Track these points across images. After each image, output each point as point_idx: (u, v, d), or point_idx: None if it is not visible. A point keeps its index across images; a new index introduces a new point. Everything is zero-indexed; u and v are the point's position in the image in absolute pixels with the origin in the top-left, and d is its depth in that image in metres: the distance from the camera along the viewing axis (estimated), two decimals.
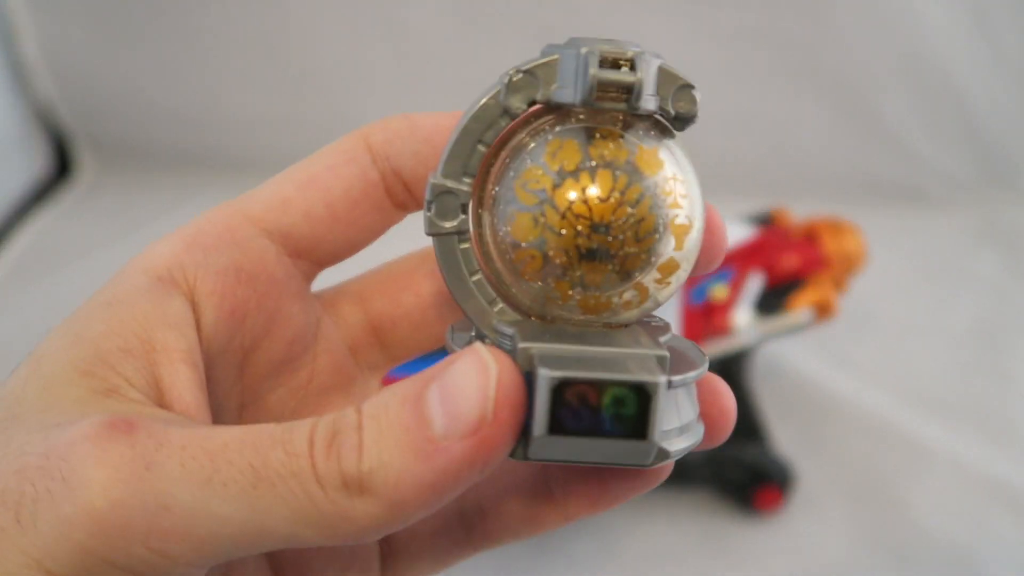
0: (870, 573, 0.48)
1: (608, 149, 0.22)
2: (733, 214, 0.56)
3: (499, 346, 0.22)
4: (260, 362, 0.26)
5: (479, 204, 0.23)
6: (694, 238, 0.23)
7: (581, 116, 0.22)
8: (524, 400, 0.19)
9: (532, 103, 0.22)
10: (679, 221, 0.22)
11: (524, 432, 0.20)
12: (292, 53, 0.80)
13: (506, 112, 0.22)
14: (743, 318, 0.51)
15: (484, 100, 0.22)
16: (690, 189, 0.23)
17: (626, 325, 0.23)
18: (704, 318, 0.51)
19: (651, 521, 0.50)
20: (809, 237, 0.55)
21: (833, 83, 0.79)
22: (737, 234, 0.54)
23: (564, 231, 0.22)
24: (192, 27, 0.78)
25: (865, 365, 0.62)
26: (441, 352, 0.24)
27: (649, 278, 0.23)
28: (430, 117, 0.25)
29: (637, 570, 0.49)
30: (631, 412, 0.20)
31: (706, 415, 0.24)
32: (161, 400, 0.22)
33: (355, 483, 0.19)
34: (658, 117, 0.23)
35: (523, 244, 0.22)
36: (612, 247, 0.22)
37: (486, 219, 0.23)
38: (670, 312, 0.49)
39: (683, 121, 0.23)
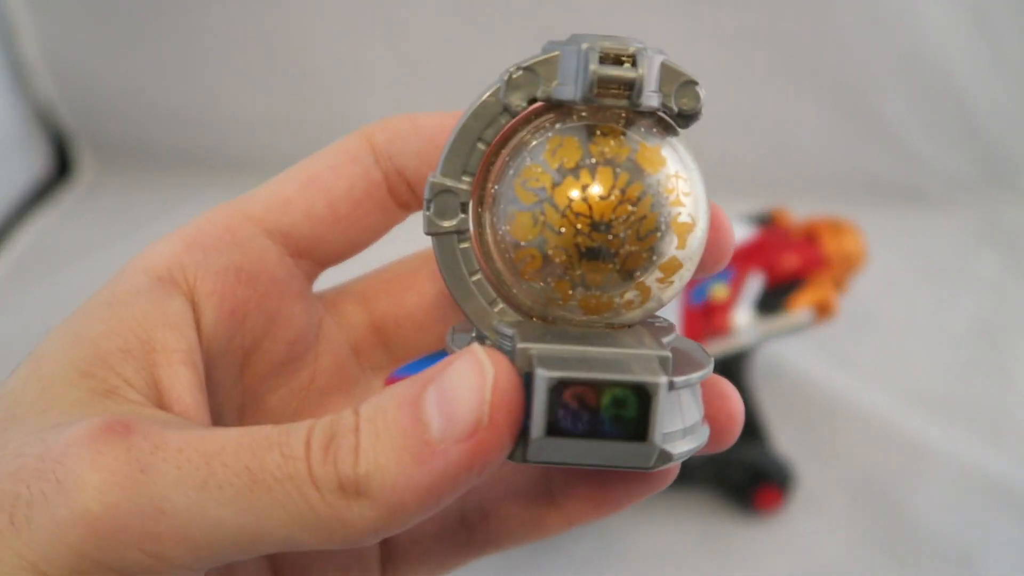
0: (870, 573, 0.48)
1: (609, 146, 0.22)
2: (733, 214, 0.56)
3: (499, 347, 0.22)
4: (261, 362, 0.26)
5: (479, 203, 0.23)
6: (698, 237, 0.23)
7: (583, 114, 0.22)
8: (522, 402, 0.19)
9: (533, 101, 0.22)
10: (682, 219, 0.22)
11: (523, 434, 0.20)
12: (292, 53, 0.80)
13: (506, 110, 0.22)
14: (743, 318, 0.51)
15: (484, 97, 0.22)
16: (693, 187, 0.22)
17: (629, 326, 0.23)
18: (704, 318, 0.51)
19: (651, 521, 0.50)
20: (809, 237, 0.55)
21: (833, 83, 0.79)
22: (737, 234, 0.54)
23: (564, 229, 0.22)
24: (192, 27, 0.78)
25: (865, 365, 0.62)
26: (444, 353, 0.23)
27: (651, 278, 0.22)
28: (433, 117, 0.25)
29: (637, 570, 0.49)
30: (631, 413, 0.19)
31: (712, 419, 0.23)
32: (160, 401, 0.22)
33: (352, 486, 0.19)
34: (661, 114, 0.22)
35: (523, 243, 0.22)
36: (613, 246, 0.22)
37: (486, 218, 0.23)
38: (670, 312, 0.49)
39: (687, 118, 0.22)
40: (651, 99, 0.21)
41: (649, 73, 0.21)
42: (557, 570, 0.48)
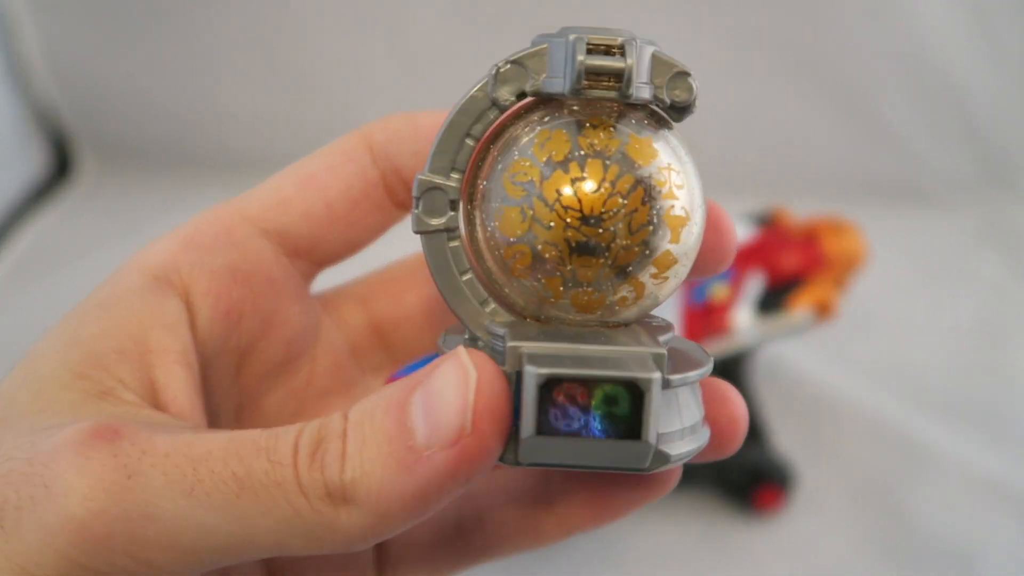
0: (870, 573, 0.48)
1: (599, 138, 0.21)
2: (733, 214, 0.56)
3: (492, 348, 0.22)
4: (257, 363, 0.25)
5: (469, 201, 0.22)
6: (693, 232, 0.22)
7: (574, 108, 0.22)
8: (508, 408, 0.19)
9: (522, 95, 0.22)
10: (675, 213, 0.22)
11: (515, 435, 0.19)
12: (293, 53, 0.79)
13: (494, 104, 0.22)
14: (743, 318, 0.51)
15: (471, 92, 0.22)
16: (687, 180, 0.22)
17: (626, 325, 0.23)
18: (704, 318, 0.51)
19: (651, 521, 0.50)
20: (809, 237, 0.55)
21: (833, 83, 0.79)
22: (737, 234, 0.54)
23: (553, 224, 0.21)
24: (192, 27, 0.78)
25: (865, 365, 0.62)
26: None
27: (645, 273, 0.22)
28: (431, 115, 0.25)
29: (637, 570, 0.49)
30: (623, 411, 0.19)
31: (714, 424, 0.23)
32: (156, 401, 0.22)
33: (339, 493, 0.19)
34: (655, 108, 0.22)
35: (512, 239, 0.21)
36: (604, 240, 0.21)
37: (477, 216, 0.22)
38: (670, 312, 0.49)
39: (680, 110, 0.22)
40: (642, 90, 0.21)
41: (639, 64, 0.21)
42: (556, 570, 0.48)
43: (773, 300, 0.52)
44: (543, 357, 0.19)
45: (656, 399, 0.19)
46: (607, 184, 0.21)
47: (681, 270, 0.22)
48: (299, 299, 0.26)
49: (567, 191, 0.21)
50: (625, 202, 0.21)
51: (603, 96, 0.21)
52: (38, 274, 0.70)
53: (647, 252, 0.21)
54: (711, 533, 0.50)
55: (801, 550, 0.49)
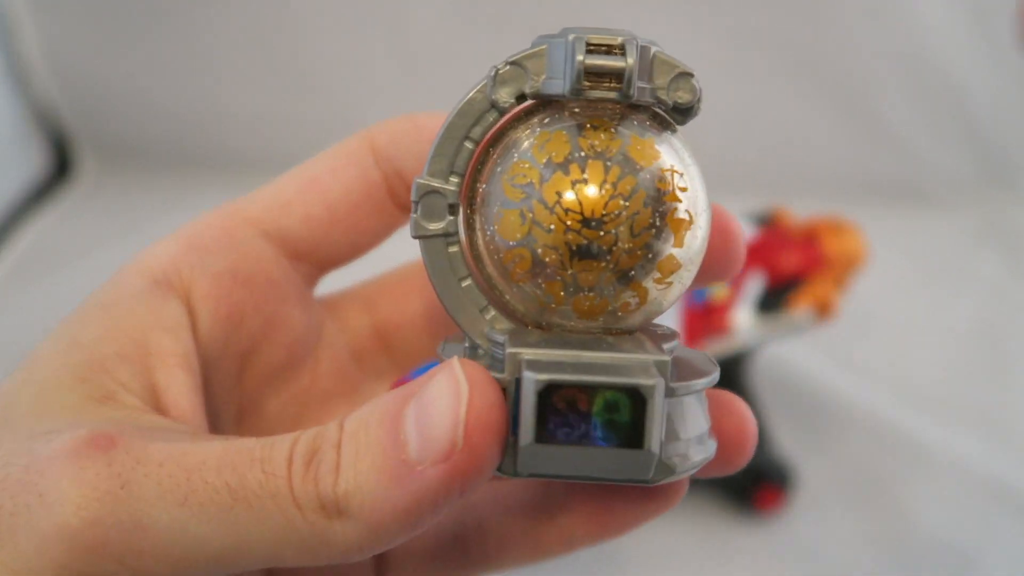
0: (870, 573, 0.48)
1: (599, 139, 0.21)
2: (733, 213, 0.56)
3: (492, 355, 0.21)
4: (259, 367, 0.25)
5: (469, 205, 0.22)
6: (698, 236, 0.21)
7: (576, 110, 0.21)
8: (502, 421, 0.19)
9: (522, 97, 0.21)
10: (678, 215, 0.21)
11: (515, 445, 0.19)
12: (293, 53, 0.79)
13: (494, 106, 0.21)
14: (743, 318, 0.51)
15: (470, 94, 0.21)
16: (691, 183, 0.21)
17: (630, 332, 0.22)
18: (704, 318, 0.51)
19: (651, 521, 0.50)
20: (809, 237, 0.55)
21: (833, 83, 0.78)
22: (745, 239, 0.54)
23: (553, 227, 0.20)
24: (192, 27, 0.78)
25: (865, 365, 0.62)
26: None
27: (648, 278, 0.21)
28: (434, 118, 0.25)
29: (637, 570, 0.49)
30: (625, 418, 0.18)
31: (722, 436, 0.23)
32: (157, 405, 0.22)
33: (332, 505, 0.18)
34: (657, 110, 0.22)
35: (511, 243, 0.21)
36: (605, 243, 0.21)
37: (477, 221, 0.22)
38: (669, 312, 0.49)
39: (683, 112, 0.21)
40: (643, 92, 0.21)
41: (640, 64, 0.20)
42: (555, 569, 0.48)
43: (773, 300, 0.52)
44: (543, 363, 0.19)
45: (659, 407, 0.18)
46: (608, 186, 0.20)
47: (685, 275, 0.22)
48: (301, 302, 0.26)
49: (567, 193, 0.20)
50: (627, 204, 0.20)
51: (603, 97, 0.20)
52: (38, 274, 0.70)
53: (650, 256, 0.21)
54: (711, 533, 0.50)
55: (801, 550, 0.49)
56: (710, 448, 0.22)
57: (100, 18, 0.78)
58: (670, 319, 0.23)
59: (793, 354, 0.62)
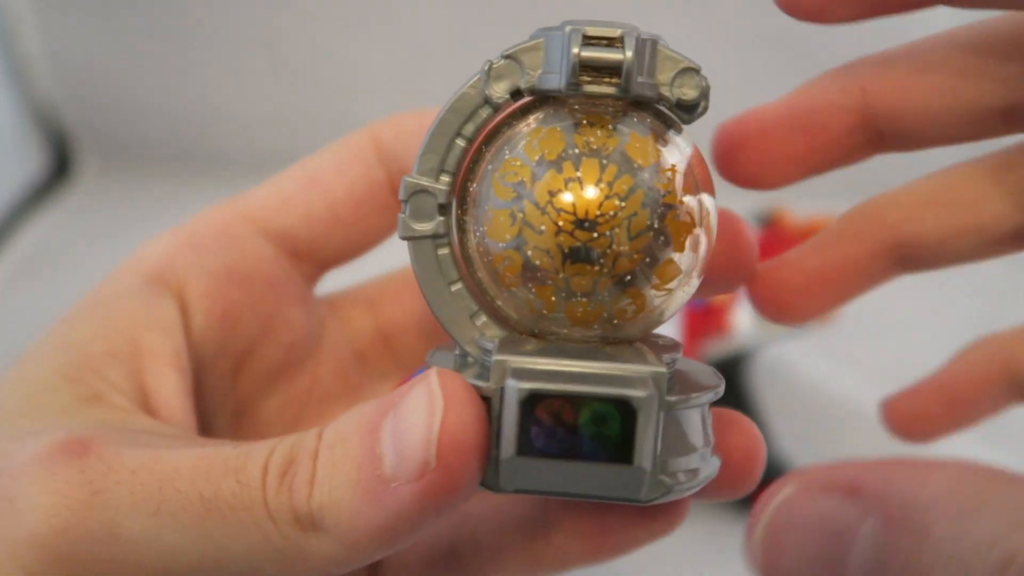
0: None
1: (595, 136, 0.20)
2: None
3: (482, 364, 0.20)
4: (256, 368, 0.25)
5: (461, 206, 0.21)
6: (701, 240, 0.20)
7: (575, 107, 0.20)
8: (480, 439, 0.18)
9: (517, 92, 0.20)
10: (679, 218, 0.20)
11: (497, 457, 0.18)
12: (295, 53, 0.79)
13: (487, 102, 0.20)
14: (743, 318, 0.51)
15: (463, 89, 0.20)
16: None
17: (630, 342, 0.21)
18: (704, 318, 0.51)
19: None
20: (809, 237, 0.55)
21: None
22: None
23: (544, 228, 0.19)
24: (193, 27, 0.78)
25: (865, 365, 0.62)
26: None
27: (646, 284, 0.20)
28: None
29: (635, 569, 0.49)
30: (614, 431, 0.17)
31: (728, 459, 0.22)
32: (147, 405, 0.21)
33: (307, 520, 0.18)
34: (662, 108, 0.21)
35: (501, 245, 0.20)
36: (600, 246, 0.19)
37: (469, 222, 0.21)
38: None
39: (688, 110, 0.20)
40: (644, 87, 0.20)
41: (641, 58, 0.19)
42: None
43: None
44: (528, 372, 0.18)
45: (651, 420, 0.17)
46: (604, 185, 0.19)
47: (688, 282, 0.21)
48: (301, 302, 0.25)
49: (560, 193, 0.19)
50: (623, 205, 0.19)
51: (601, 93, 0.19)
52: (38, 274, 0.70)
53: (648, 260, 0.20)
54: (711, 533, 0.50)
55: None
56: (712, 467, 0.21)
57: (100, 18, 0.78)
58: (671, 321, 0.22)
59: (793, 354, 0.61)
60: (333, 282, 0.27)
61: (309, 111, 0.80)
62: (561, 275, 0.20)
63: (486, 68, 0.20)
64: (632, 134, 0.20)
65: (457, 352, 0.21)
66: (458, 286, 0.21)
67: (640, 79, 0.19)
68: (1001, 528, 0.14)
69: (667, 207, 0.20)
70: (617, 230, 0.19)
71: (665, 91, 0.20)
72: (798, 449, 0.54)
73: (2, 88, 0.78)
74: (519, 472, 0.18)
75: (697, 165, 0.21)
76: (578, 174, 0.19)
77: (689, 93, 0.20)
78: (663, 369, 0.19)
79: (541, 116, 0.20)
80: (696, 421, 0.20)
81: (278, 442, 0.19)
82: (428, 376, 0.18)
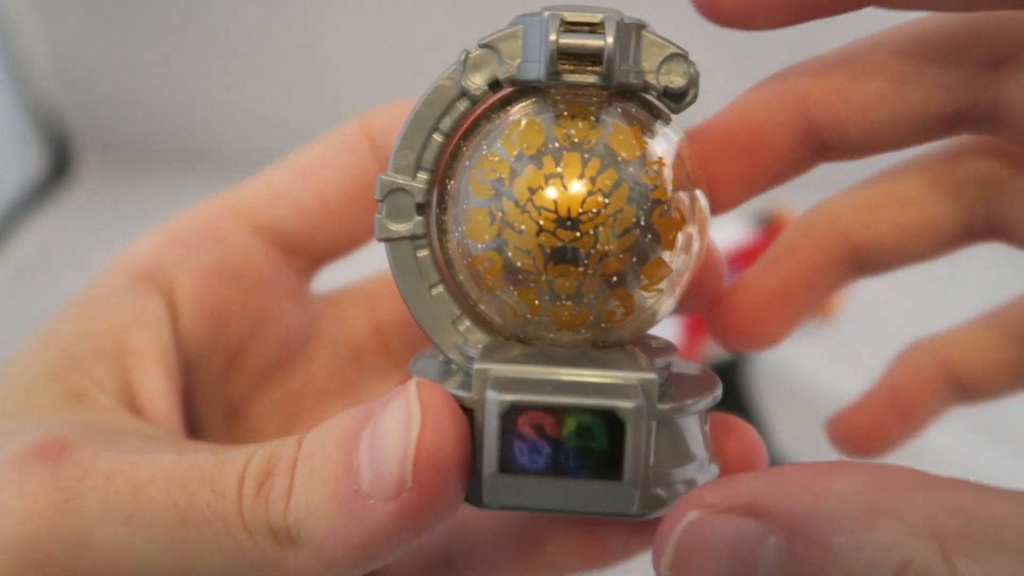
0: None
1: (577, 128, 0.18)
2: (733, 213, 0.56)
3: (466, 372, 0.19)
4: (248, 365, 0.24)
5: (440, 205, 0.20)
6: (692, 236, 0.19)
7: (557, 98, 0.19)
8: (459, 456, 0.17)
9: (496, 83, 0.19)
10: (667, 214, 0.19)
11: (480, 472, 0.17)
12: (295, 53, 0.79)
13: (464, 94, 0.19)
14: None
15: (438, 81, 0.19)
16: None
17: (622, 346, 0.20)
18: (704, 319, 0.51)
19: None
20: None
21: None
22: (737, 234, 0.54)
23: (525, 227, 0.18)
24: (193, 27, 0.78)
25: (865, 365, 0.62)
26: None
27: (634, 285, 0.19)
28: None
29: (634, 568, 0.49)
30: (600, 445, 0.16)
31: (727, 467, 0.20)
32: (133, 404, 0.21)
33: (283, 533, 0.17)
34: (648, 96, 0.19)
35: (480, 246, 0.19)
36: (583, 245, 0.18)
37: (449, 222, 0.20)
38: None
39: (676, 98, 0.19)
40: (628, 75, 0.18)
41: (624, 44, 0.18)
42: None
43: None
44: (510, 381, 0.17)
45: (639, 432, 0.16)
46: (586, 180, 0.18)
47: (679, 281, 0.20)
48: (293, 298, 0.25)
49: (540, 189, 0.18)
50: (607, 201, 0.18)
51: (582, 82, 0.18)
52: (38, 274, 0.70)
53: (635, 260, 0.18)
54: None
55: None
56: (710, 475, 0.19)
57: (100, 18, 0.78)
58: (668, 320, 0.22)
59: (793, 354, 0.61)
60: (333, 279, 0.27)
61: (310, 112, 0.80)
62: (544, 277, 0.18)
63: (462, 58, 0.19)
64: (616, 125, 0.19)
65: (441, 359, 0.20)
66: (439, 289, 0.20)
67: (624, 67, 0.18)
68: (896, 536, 0.14)
69: (655, 202, 0.18)
70: (601, 228, 0.18)
71: (651, 79, 0.19)
72: (799, 451, 0.54)
73: (2, 88, 0.78)
74: (502, 489, 0.17)
75: (689, 158, 0.20)
76: (559, 169, 0.18)
77: (677, 81, 0.19)
78: (653, 376, 0.17)
79: (521, 108, 0.19)
80: (693, 428, 0.19)
81: (257, 449, 0.18)
82: (406, 388, 0.17)
